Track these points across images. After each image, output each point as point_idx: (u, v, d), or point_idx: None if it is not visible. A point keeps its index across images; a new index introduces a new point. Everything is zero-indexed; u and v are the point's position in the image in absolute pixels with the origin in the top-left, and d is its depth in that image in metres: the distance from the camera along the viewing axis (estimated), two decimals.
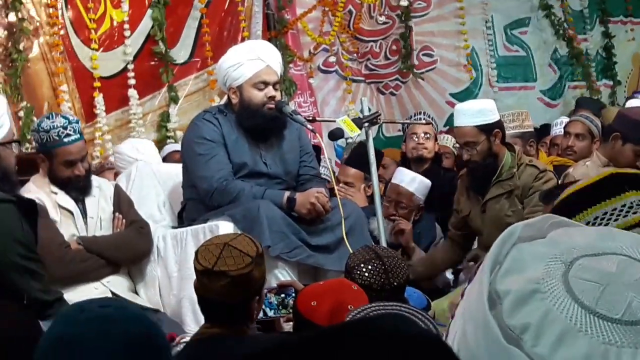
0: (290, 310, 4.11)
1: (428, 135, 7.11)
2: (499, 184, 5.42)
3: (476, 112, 5.42)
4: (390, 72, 9.32)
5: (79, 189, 5.06)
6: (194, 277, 4.77)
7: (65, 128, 4.91)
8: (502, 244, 1.01)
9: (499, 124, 5.50)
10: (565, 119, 7.82)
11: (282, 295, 4.25)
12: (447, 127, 8.60)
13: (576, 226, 1.08)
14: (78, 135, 4.98)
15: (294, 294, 4.19)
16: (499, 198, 5.42)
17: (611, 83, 10.55)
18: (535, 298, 0.93)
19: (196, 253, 3.46)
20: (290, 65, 8.43)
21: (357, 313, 2.59)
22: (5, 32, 6.84)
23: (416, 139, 7.06)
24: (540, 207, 4.89)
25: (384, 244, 5.18)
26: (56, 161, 4.96)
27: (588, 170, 5.65)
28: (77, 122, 5.09)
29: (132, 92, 7.36)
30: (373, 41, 9.27)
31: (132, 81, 7.36)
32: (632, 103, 7.60)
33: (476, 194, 5.53)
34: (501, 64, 9.87)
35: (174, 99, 7.62)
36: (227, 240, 3.45)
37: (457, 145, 5.83)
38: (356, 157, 6.43)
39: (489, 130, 5.38)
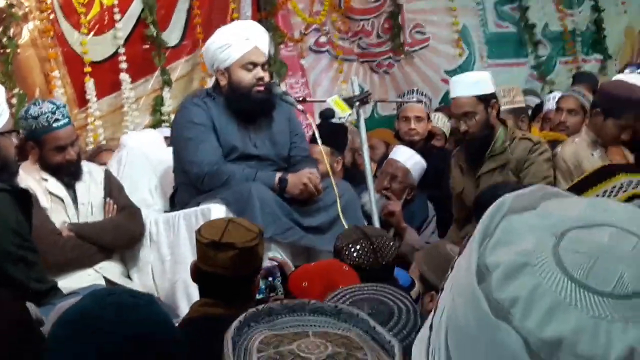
0: (279, 293, 4.10)
1: (420, 118, 7.06)
2: (492, 158, 5.40)
3: (474, 83, 5.41)
4: (383, 51, 9.25)
5: (70, 174, 5.04)
6: (187, 261, 4.80)
7: (53, 113, 4.88)
8: (492, 216, 0.98)
9: (495, 96, 5.48)
10: (558, 94, 7.77)
11: (270, 279, 4.23)
12: (442, 104, 8.55)
13: (569, 197, 1.04)
14: (67, 120, 4.96)
15: (279, 276, 4.17)
16: (492, 172, 5.39)
17: (601, 57, 10.49)
18: (525, 271, 0.90)
19: (199, 230, 3.44)
20: (281, 46, 8.38)
21: (334, 296, 2.59)
22: None
23: (408, 123, 7.02)
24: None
25: (376, 219, 5.18)
26: (46, 147, 4.93)
27: (577, 146, 5.61)
28: (64, 106, 5.08)
29: (124, 76, 7.28)
30: (365, 20, 9.20)
31: (124, 65, 7.28)
32: (620, 77, 7.49)
33: (470, 168, 5.49)
34: (492, 41, 9.82)
35: (168, 82, 7.54)
36: (230, 219, 3.50)
37: (453, 118, 5.75)
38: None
39: (487, 100, 5.36)
